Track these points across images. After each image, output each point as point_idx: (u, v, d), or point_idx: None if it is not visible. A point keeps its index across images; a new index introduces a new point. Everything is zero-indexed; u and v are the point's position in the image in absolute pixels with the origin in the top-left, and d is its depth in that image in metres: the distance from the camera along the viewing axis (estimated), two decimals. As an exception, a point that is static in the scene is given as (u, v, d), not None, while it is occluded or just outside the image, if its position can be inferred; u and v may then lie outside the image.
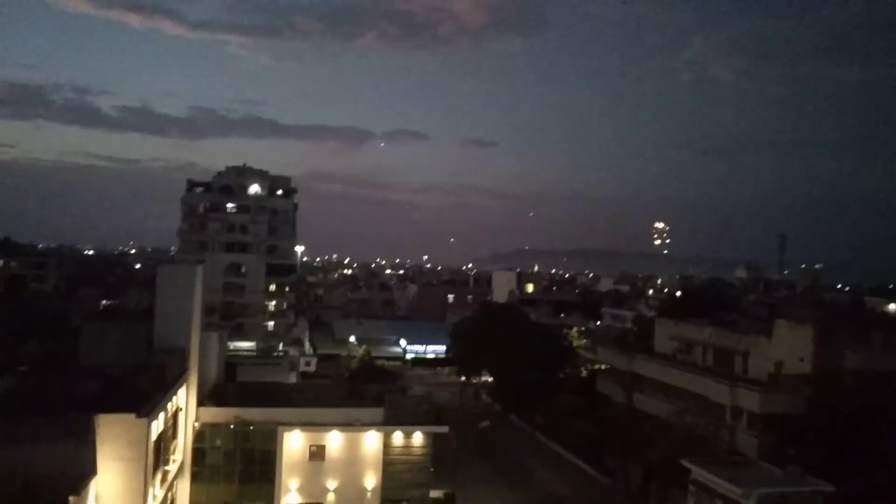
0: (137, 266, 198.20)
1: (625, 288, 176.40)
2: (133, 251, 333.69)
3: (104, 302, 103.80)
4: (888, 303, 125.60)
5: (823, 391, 40.05)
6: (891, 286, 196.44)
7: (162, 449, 30.19)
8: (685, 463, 34.96)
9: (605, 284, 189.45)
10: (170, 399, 31.37)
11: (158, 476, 29.43)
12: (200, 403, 36.42)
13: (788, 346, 45.78)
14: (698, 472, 34.01)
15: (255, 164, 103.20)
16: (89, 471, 24.68)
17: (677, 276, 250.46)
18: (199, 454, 36.20)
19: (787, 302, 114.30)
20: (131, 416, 25.92)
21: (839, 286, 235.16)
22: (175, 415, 33.42)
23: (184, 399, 35.11)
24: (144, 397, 27.85)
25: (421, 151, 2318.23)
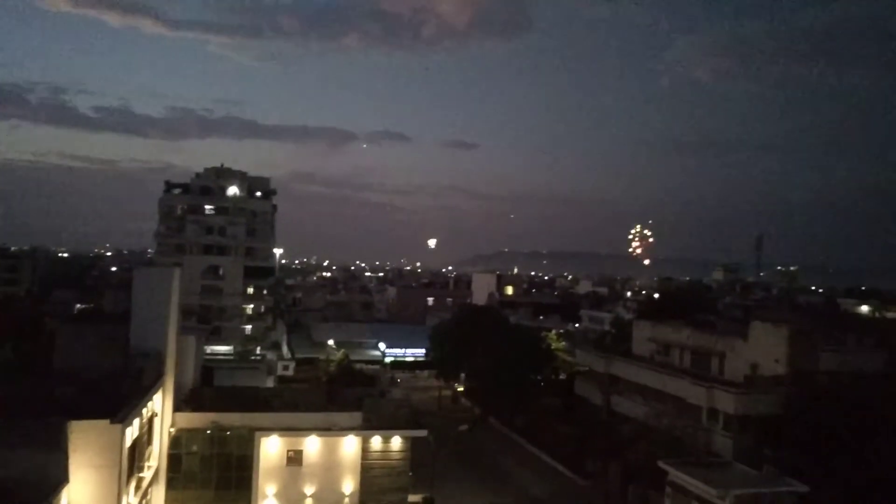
0: (113, 269, 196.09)
1: (603, 290, 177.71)
2: (109, 253, 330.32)
3: (79, 305, 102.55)
4: (861, 304, 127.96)
5: (798, 392, 40.54)
6: (864, 288, 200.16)
7: (136, 455, 29.77)
8: (662, 465, 35.23)
9: (584, 287, 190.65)
10: (145, 404, 31.00)
11: (133, 483, 29.01)
12: (177, 408, 36.01)
13: (764, 348, 46.31)
14: (675, 474, 34.29)
15: (235, 166, 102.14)
16: (61, 478, 24.33)
17: (655, 279, 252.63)
18: (174, 460, 35.78)
19: (763, 304, 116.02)
20: (105, 422, 25.55)
21: (813, 288, 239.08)
22: (150, 420, 33.02)
23: (160, 404, 34.71)
24: (119, 402, 27.47)
25: (402, 153, 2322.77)
